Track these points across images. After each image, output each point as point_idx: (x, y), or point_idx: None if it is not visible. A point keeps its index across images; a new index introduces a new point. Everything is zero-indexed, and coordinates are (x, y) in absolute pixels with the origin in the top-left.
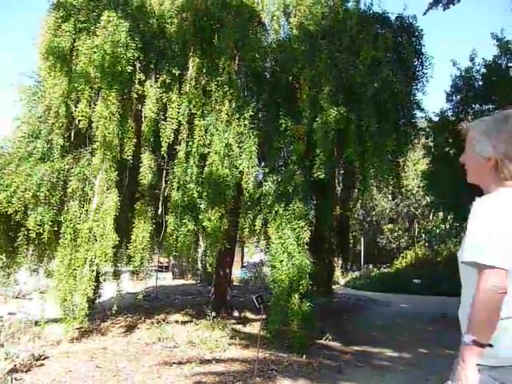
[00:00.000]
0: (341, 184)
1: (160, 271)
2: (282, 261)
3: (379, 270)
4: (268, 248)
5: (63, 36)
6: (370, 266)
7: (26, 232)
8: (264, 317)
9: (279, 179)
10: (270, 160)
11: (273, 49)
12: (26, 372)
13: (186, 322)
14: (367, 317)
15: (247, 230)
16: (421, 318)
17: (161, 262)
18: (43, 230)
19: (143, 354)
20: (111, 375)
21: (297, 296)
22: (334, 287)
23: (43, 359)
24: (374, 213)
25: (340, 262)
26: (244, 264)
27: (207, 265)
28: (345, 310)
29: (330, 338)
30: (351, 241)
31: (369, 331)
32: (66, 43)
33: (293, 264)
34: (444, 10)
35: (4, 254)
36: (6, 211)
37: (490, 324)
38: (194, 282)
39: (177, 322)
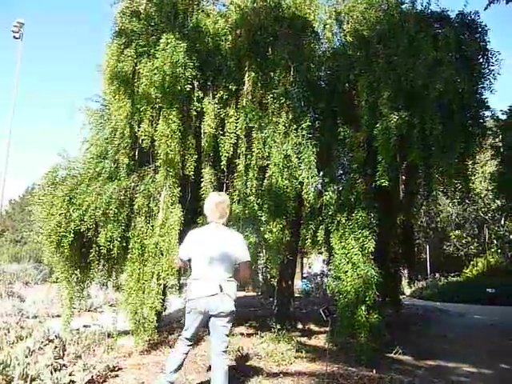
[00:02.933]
0: (404, 190)
1: None
2: (346, 272)
3: (447, 278)
4: (331, 259)
5: (126, 61)
6: (437, 275)
7: (97, 248)
8: (329, 329)
9: (340, 188)
10: (330, 169)
11: (327, 57)
12: (102, 383)
13: (251, 334)
14: (439, 328)
15: (309, 241)
16: (499, 330)
17: None
18: (113, 246)
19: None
20: None
21: (363, 308)
22: (400, 298)
23: (117, 370)
24: (438, 219)
25: (405, 271)
26: (304, 275)
27: (269, 277)
28: (414, 322)
29: (400, 351)
30: (415, 249)
31: (442, 344)
32: (129, 67)
33: (358, 275)
34: (507, 3)
35: (78, 270)
36: (79, 229)
37: None
38: (255, 294)
39: (242, 334)
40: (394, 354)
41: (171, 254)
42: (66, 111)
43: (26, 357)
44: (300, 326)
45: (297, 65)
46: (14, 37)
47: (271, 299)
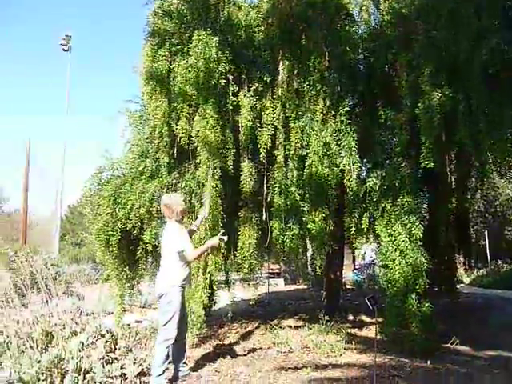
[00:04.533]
0: (454, 173)
1: (272, 277)
2: (394, 260)
3: (510, 265)
4: (378, 247)
5: (160, 61)
6: (499, 262)
7: (143, 245)
8: (380, 319)
9: (383, 174)
10: (372, 154)
11: (364, 39)
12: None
13: (300, 326)
14: (500, 318)
15: (354, 229)
16: None
17: (272, 269)
18: (158, 243)
19: (259, 359)
20: (229, 379)
21: (414, 296)
22: (457, 286)
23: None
24: (497, 202)
25: (462, 259)
26: (356, 266)
27: (316, 268)
28: (472, 311)
29: (458, 341)
30: (473, 235)
31: (503, 334)
32: (164, 67)
33: (406, 262)
34: None
35: (127, 267)
36: (126, 227)
37: None
38: (305, 286)
39: (290, 326)
40: (451, 344)
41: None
42: (108, 116)
43: (80, 351)
44: (351, 317)
45: (332, 49)
46: (63, 49)
47: (322, 292)
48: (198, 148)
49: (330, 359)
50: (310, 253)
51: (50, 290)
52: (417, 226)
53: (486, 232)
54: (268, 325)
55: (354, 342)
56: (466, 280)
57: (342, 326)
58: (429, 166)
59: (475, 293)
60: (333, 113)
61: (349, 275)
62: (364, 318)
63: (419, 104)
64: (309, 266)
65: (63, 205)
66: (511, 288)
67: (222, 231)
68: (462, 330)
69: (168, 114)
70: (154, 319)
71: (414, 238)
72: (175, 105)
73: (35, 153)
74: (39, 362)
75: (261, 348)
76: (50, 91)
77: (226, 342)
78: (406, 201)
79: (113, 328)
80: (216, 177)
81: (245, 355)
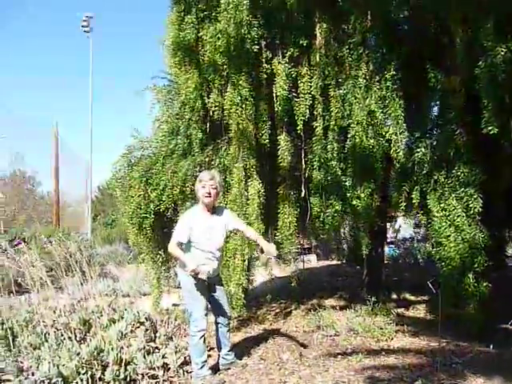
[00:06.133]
0: None
1: (303, 253)
2: (448, 236)
3: None
4: (429, 223)
5: (187, 29)
6: None
7: None
8: (426, 298)
9: (434, 143)
10: (421, 122)
11: None
12: None
13: (342, 307)
14: None
15: (403, 204)
16: None
17: (302, 244)
18: None
19: (306, 345)
20: (276, 368)
21: (471, 276)
22: (506, 261)
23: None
24: None
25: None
26: (389, 240)
27: (360, 246)
28: None
29: None
30: None
31: None
32: (191, 35)
33: (463, 239)
34: None
35: (162, 250)
36: (159, 209)
37: None
38: (339, 262)
39: (333, 307)
40: (510, 325)
41: (254, 227)
42: (135, 93)
43: (119, 340)
44: (394, 295)
45: (373, 8)
46: (85, 31)
47: (358, 267)
48: (231, 121)
49: (380, 343)
50: (347, 229)
51: (84, 272)
52: (475, 199)
53: None
54: (308, 305)
55: (404, 324)
56: None
57: (388, 305)
58: (491, 133)
59: None
60: (377, 78)
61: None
62: (408, 296)
63: (479, 63)
64: (345, 242)
65: (93, 186)
66: None
67: (205, 269)
68: None
69: (199, 86)
70: None
71: (472, 212)
72: (206, 76)
73: (63, 137)
74: (78, 354)
75: (305, 331)
76: (73, 77)
77: (267, 324)
78: (462, 172)
79: (150, 313)
80: (251, 152)
81: (289, 340)
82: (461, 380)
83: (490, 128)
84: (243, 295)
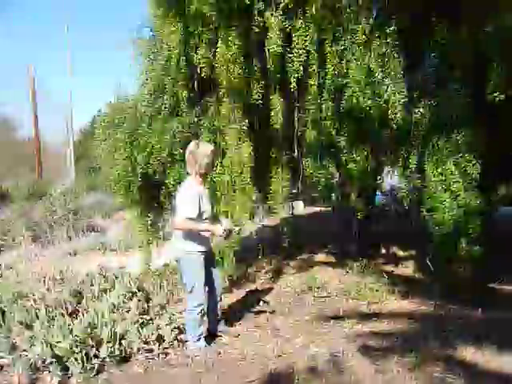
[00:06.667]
0: None
1: (291, 200)
2: (443, 201)
3: None
4: (425, 186)
5: None
6: None
7: (166, 189)
8: (413, 253)
9: (434, 104)
10: (422, 80)
11: None
12: None
13: (333, 263)
14: None
15: (401, 169)
16: None
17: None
18: None
19: (296, 307)
20: (271, 336)
21: (464, 241)
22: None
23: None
24: None
25: None
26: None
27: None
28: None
29: (504, 280)
30: None
31: None
32: None
33: (458, 205)
34: None
35: (150, 212)
36: (146, 172)
37: None
38: (324, 209)
39: (324, 263)
40: (498, 284)
41: (243, 193)
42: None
43: (112, 313)
44: (383, 250)
45: None
46: None
47: (345, 216)
48: (221, 79)
49: (372, 306)
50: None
51: (73, 226)
52: (473, 164)
53: None
54: (298, 261)
55: (393, 284)
56: None
57: (376, 261)
58: (498, 100)
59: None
60: (377, 34)
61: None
62: (396, 250)
63: (491, 24)
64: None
65: (74, 128)
66: None
67: (227, 221)
68: (506, 265)
69: (185, 40)
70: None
71: (469, 178)
72: (193, 29)
73: (40, 78)
74: (71, 331)
75: (296, 292)
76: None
77: (258, 284)
78: (462, 136)
79: (140, 275)
80: (243, 113)
81: (280, 302)
82: (451, 350)
83: (496, 94)
84: (234, 257)
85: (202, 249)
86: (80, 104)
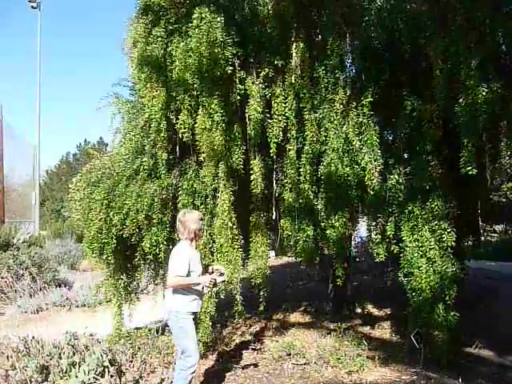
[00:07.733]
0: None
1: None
2: (420, 267)
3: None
4: (402, 253)
5: (155, 42)
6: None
7: (142, 252)
8: (389, 311)
9: (407, 171)
10: (395, 149)
11: (391, 19)
12: None
13: (310, 324)
14: (509, 302)
15: (379, 237)
16: None
17: None
18: (159, 250)
19: (275, 375)
20: None
21: (441, 306)
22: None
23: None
24: None
25: None
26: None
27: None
28: (477, 296)
29: (480, 344)
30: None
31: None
32: (159, 50)
33: (434, 271)
34: None
35: (124, 274)
36: (122, 234)
37: None
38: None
39: (300, 324)
40: (474, 348)
41: (224, 255)
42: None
43: None
44: (359, 310)
45: (353, 30)
46: (32, 6)
47: (318, 268)
48: (202, 147)
49: (352, 376)
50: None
51: (36, 281)
52: (448, 232)
53: None
54: (274, 321)
55: (373, 350)
56: None
57: (353, 322)
58: (470, 173)
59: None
60: (354, 104)
61: None
62: (371, 308)
63: (460, 100)
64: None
65: (41, 170)
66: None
67: (219, 269)
68: (476, 325)
69: (166, 105)
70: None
71: (445, 245)
72: (174, 95)
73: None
74: None
75: (274, 359)
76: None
77: (234, 347)
78: (437, 205)
79: (111, 336)
80: (225, 179)
81: (259, 370)
82: None
83: (468, 168)
84: (210, 323)
85: (192, 309)
86: (45, 142)
